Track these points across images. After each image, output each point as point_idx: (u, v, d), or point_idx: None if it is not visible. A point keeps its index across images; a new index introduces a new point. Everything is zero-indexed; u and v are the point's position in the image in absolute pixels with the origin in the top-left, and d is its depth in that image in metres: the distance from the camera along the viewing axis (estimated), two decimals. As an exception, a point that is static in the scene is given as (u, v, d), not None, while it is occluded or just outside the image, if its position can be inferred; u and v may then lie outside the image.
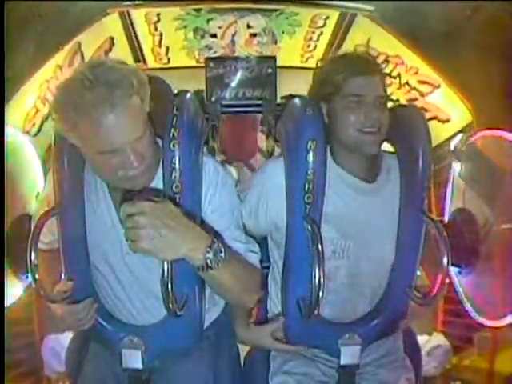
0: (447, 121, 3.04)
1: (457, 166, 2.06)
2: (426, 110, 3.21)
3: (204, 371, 1.25)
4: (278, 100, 1.97)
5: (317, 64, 2.19)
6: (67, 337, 1.52)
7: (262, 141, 3.19)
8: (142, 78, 0.99)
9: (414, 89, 3.27)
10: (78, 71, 0.97)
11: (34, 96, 3.03)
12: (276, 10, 3.61)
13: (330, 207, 1.19)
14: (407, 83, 3.34)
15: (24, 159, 1.88)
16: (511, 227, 1.63)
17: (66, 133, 0.99)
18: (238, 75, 1.56)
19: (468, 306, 1.92)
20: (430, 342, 2.04)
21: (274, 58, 1.58)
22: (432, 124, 3.22)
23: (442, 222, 1.88)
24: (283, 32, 3.85)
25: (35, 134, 3.19)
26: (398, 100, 3.25)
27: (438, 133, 3.03)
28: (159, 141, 1.11)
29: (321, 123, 1.15)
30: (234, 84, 1.56)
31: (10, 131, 1.69)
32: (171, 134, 1.06)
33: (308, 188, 1.13)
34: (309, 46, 3.97)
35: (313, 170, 1.12)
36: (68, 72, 3.36)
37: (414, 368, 1.36)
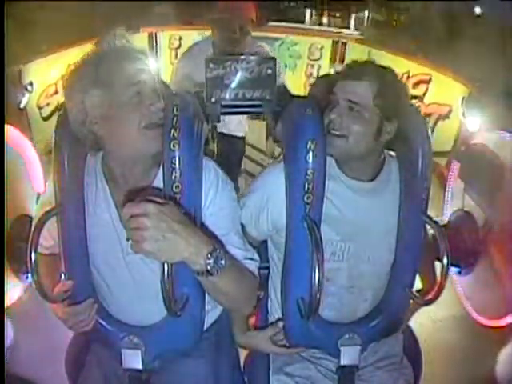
0: (450, 112, 3.17)
1: (457, 166, 2.05)
2: (429, 115, 3.36)
3: (204, 371, 1.25)
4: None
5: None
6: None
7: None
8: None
9: (413, 97, 3.43)
10: None
11: (58, 72, 3.11)
12: (278, 39, 4.17)
13: (330, 209, 1.19)
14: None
15: (25, 159, 1.88)
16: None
17: (87, 92, 1.03)
18: (238, 76, 1.54)
19: (468, 306, 1.92)
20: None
21: (273, 59, 1.57)
22: (440, 128, 3.32)
23: (441, 222, 1.89)
24: (286, 66, 4.16)
25: (46, 118, 3.18)
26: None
27: (448, 131, 3.16)
28: None
29: (321, 123, 1.15)
30: (233, 85, 1.55)
31: (10, 131, 1.69)
32: (171, 135, 1.06)
33: (308, 188, 1.13)
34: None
35: (313, 170, 1.12)
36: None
37: (414, 369, 1.36)
